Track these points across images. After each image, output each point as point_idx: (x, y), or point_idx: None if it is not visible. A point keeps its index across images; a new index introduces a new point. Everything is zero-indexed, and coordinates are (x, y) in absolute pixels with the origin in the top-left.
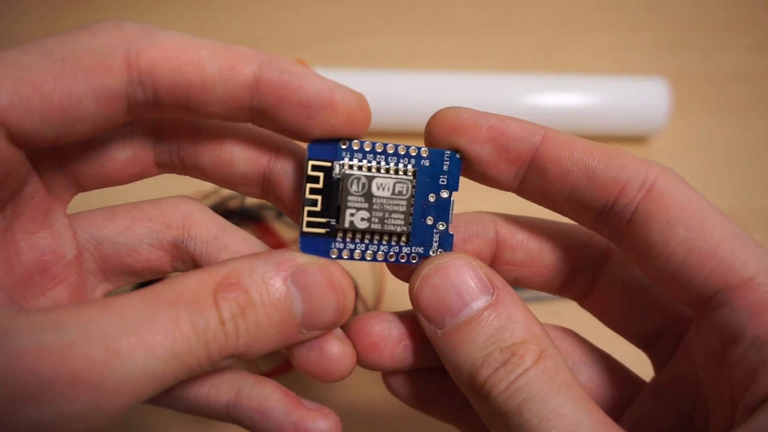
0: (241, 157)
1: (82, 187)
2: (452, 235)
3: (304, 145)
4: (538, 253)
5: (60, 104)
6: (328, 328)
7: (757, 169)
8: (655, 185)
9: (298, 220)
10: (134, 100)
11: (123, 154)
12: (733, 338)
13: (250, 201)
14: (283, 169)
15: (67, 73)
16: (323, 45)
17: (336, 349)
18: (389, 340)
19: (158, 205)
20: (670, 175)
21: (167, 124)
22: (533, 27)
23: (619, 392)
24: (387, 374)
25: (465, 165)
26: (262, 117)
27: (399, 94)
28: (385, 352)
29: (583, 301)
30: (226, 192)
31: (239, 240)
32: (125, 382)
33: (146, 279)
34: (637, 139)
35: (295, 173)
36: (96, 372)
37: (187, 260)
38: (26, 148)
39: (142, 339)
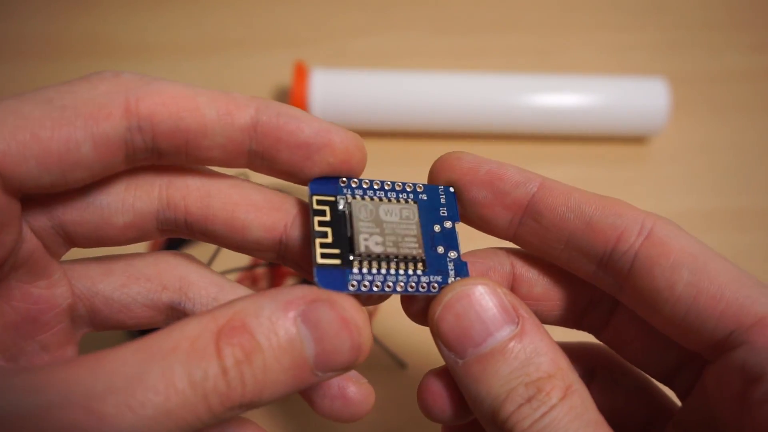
0: (255, 224)
1: (77, 246)
2: (466, 263)
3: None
4: (555, 286)
5: (57, 150)
6: (345, 369)
7: (758, 169)
8: (653, 231)
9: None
10: (133, 147)
11: (121, 219)
12: (755, 377)
13: None
14: (300, 236)
15: (66, 120)
16: (323, 45)
17: (355, 393)
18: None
19: (155, 263)
20: (666, 222)
21: (174, 189)
22: (533, 27)
23: (649, 415)
24: (448, 428)
25: (462, 210)
26: (260, 160)
27: (398, 94)
28: (461, 407)
29: (600, 335)
30: None
31: None
32: None
33: (135, 329)
34: (637, 139)
35: (306, 236)
36: None
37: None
38: (21, 196)
39: (129, 398)
